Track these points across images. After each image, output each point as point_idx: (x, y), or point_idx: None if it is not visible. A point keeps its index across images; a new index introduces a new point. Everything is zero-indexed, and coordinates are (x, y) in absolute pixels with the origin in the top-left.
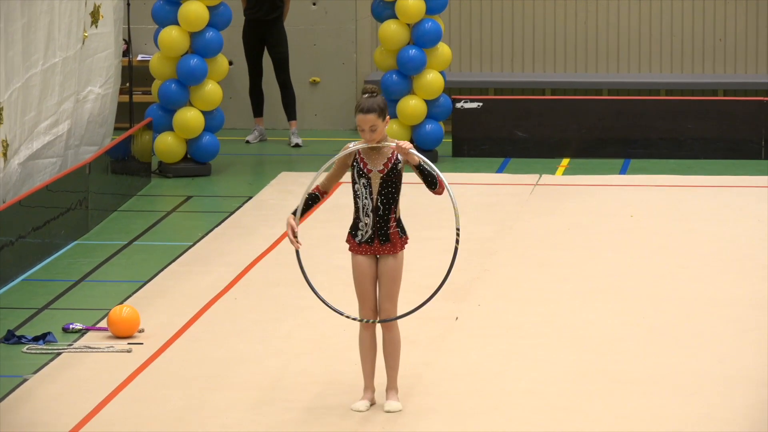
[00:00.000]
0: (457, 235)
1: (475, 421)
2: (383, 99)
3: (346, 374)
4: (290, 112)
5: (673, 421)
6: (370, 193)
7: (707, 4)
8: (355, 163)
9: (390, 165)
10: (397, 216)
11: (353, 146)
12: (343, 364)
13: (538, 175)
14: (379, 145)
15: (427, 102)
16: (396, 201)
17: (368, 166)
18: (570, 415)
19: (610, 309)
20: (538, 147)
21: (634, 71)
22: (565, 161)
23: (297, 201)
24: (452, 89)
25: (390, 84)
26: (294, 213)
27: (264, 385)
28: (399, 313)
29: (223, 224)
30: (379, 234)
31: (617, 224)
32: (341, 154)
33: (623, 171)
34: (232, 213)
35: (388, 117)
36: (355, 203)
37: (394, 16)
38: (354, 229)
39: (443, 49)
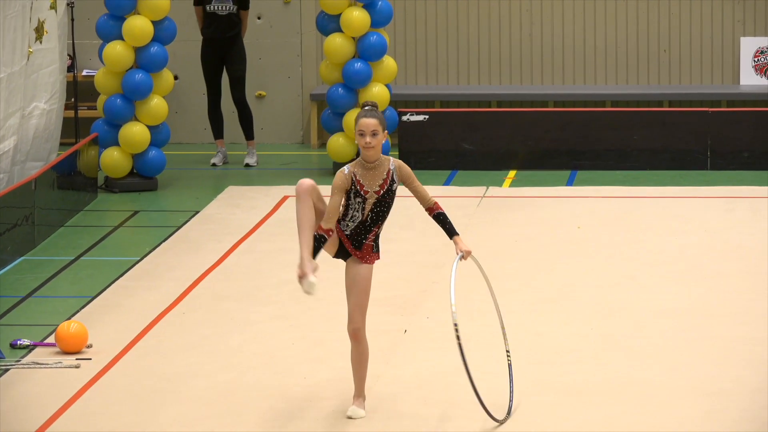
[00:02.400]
0: (455, 330)
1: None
2: (382, 114)
3: (297, 387)
4: (248, 130)
5: (624, 431)
6: (362, 210)
7: (651, 16)
8: (352, 186)
9: (386, 186)
10: (378, 232)
11: (347, 170)
12: (294, 377)
13: (485, 188)
14: (373, 164)
15: None
16: (384, 219)
17: (365, 188)
18: (520, 426)
19: (559, 320)
20: (484, 159)
21: (579, 83)
22: (512, 173)
23: (244, 215)
24: (398, 102)
25: (336, 97)
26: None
27: (215, 399)
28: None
29: (170, 239)
30: (354, 239)
31: (565, 235)
32: (339, 183)
33: (570, 182)
34: (179, 227)
35: (386, 132)
36: (345, 210)
37: (339, 30)
38: (343, 219)
39: (389, 62)
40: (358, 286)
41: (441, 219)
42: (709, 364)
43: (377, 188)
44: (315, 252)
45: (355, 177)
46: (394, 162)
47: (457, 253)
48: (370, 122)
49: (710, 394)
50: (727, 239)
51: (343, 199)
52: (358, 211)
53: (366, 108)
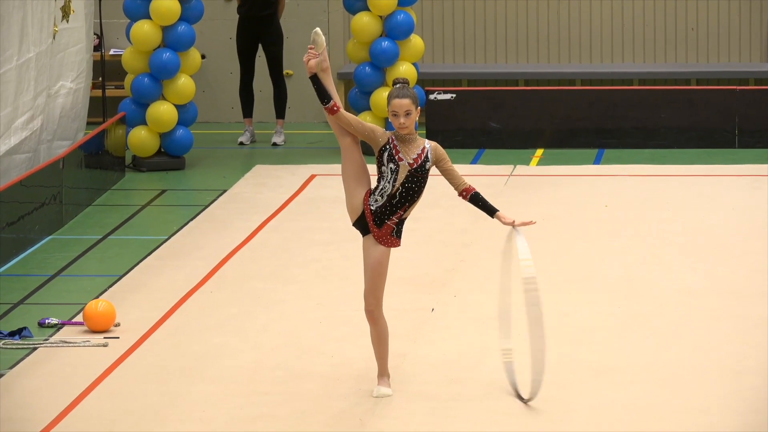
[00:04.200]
0: (529, 282)
1: (452, 411)
2: (414, 90)
3: (322, 366)
4: (280, 109)
5: (650, 412)
6: (394, 180)
7: None
8: (387, 146)
9: (419, 161)
10: (404, 217)
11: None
12: (320, 356)
13: (512, 166)
14: (408, 137)
15: None
16: (412, 202)
17: (400, 154)
18: (546, 404)
19: (585, 299)
20: (511, 138)
21: (606, 61)
22: (539, 152)
23: (271, 194)
24: (425, 81)
25: (363, 76)
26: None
27: (242, 378)
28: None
29: (197, 218)
30: (377, 216)
31: (592, 214)
32: (376, 128)
33: (597, 161)
34: (206, 206)
35: (419, 107)
36: (377, 181)
37: (366, 8)
38: (372, 193)
39: (416, 41)
40: (372, 270)
41: (477, 199)
42: (735, 342)
43: (411, 160)
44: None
45: (392, 139)
46: (429, 143)
47: (512, 226)
48: (404, 102)
49: (737, 373)
50: (754, 217)
51: (377, 175)
52: (389, 182)
53: (397, 86)
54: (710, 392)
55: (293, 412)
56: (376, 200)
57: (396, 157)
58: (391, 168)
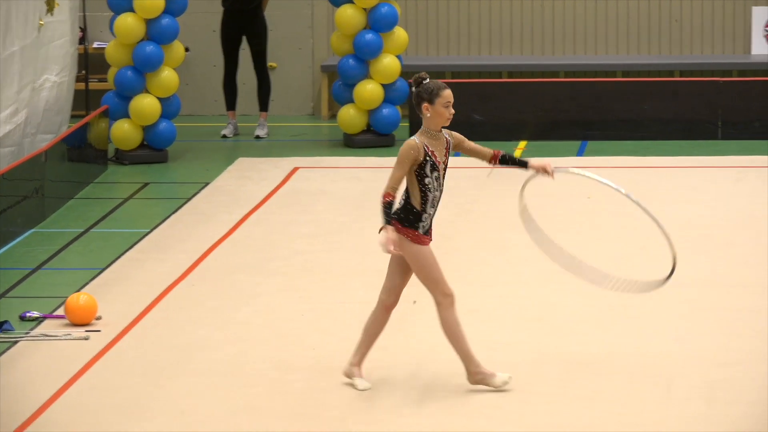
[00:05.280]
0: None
1: (434, 403)
2: None
3: (304, 359)
4: (264, 102)
5: (633, 402)
6: (440, 186)
7: None
8: (428, 158)
9: (448, 155)
10: None
11: (417, 140)
12: (303, 348)
13: None
14: (438, 133)
15: (384, 86)
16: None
17: (437, 159)
18: (530, 396)
19: (569, 290)
20: (495, 130)
21: (590, 53)
22: (523, 144)
23: (254, 186)
24: (409, 73)
25: (347, 68)
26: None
27: (224, 371)
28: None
29: (180, 211)
30: (430, 227)
31: (575, 206)
32: (411, 153)
33: (580, 153)
34: (189, 199)
35: None
36: (423, 196)
37: (350, 1)
38: (416, 221)
39: (400, 33)
40: (414, 267)
41: (507, 159)
42: (719, 334)
43: (443, 158)
44: (387, 219)
45: (427, 148)
46: (447, 132)
47: (546, 172)
48: (451, 93)
49: (720, 365)
50: (738, 209)
51: (418, 191)
52: (437, 190)
53: (427, 80)
54: (694, 383)
55: (275, 404)
56: (430, 214)
57: (436, 163)
58: (435, 176)
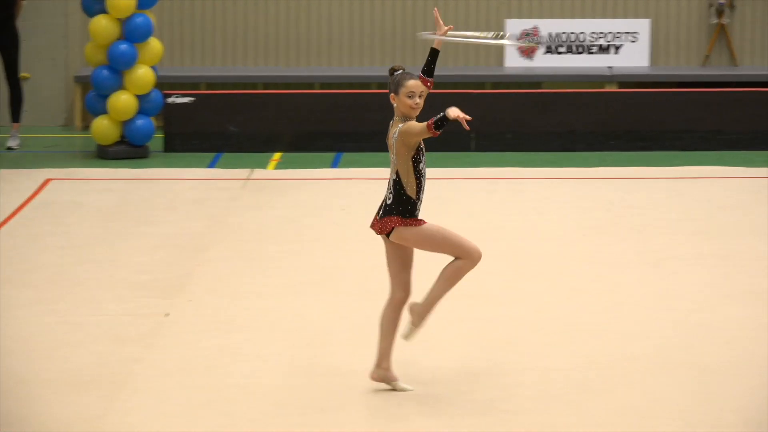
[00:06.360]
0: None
1: (185, 417)
2: None
3: (50, 372)
4: (16, 113)
5: (614, 407)
6: (425, 169)
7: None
8: (420, 143)
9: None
10: None
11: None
12: (55, 361)
13: (249, 170)
14: None
15: (138, 97)
16: None
17: (422, 144)
18: (284, 410)
19: (321, 301)
20: (250, 141)
21: (346, 65)
22: (278, 155)
23: (5, 198)
24: (164, 84)
25: (101, 79)
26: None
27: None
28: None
29: None
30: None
31: (329, 217)
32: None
33: (335, 164)
34: None
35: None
36: (418, 183)
37: (104, 11)
38: (413, 210)
39: (154, 44)
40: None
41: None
42: (701, 338)
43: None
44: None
45: None
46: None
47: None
48: (418, 84)
49: (702, 369)
50: (489, 221)
51: (413, 178)
52: (424, 176)
53: (399, 72)
54: (675, 388)
55: (249, 396)
56: (421, 201)
57: (422, 146)
58: (423, 160)
